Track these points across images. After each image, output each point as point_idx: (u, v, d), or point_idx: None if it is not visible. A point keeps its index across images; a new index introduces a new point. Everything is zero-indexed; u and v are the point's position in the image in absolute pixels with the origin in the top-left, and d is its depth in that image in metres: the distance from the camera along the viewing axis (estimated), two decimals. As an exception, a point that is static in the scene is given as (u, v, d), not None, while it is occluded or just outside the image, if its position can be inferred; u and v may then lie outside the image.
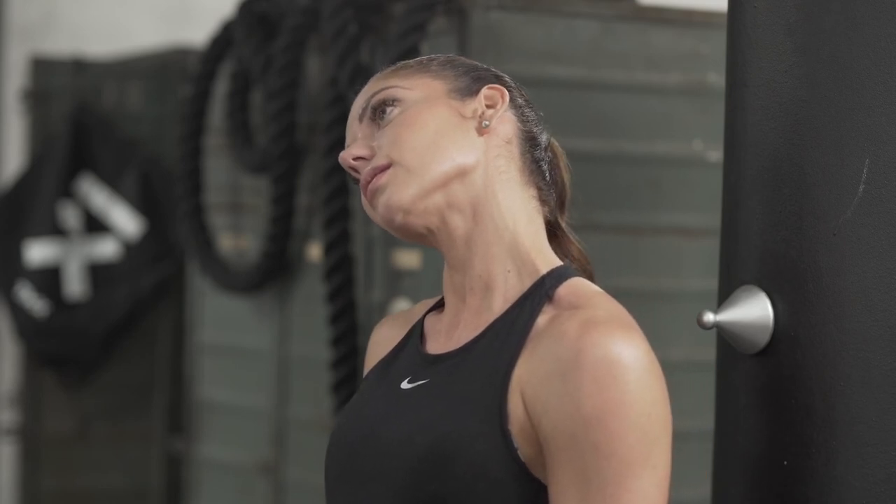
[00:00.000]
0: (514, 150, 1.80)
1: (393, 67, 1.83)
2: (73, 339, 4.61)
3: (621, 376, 1.61)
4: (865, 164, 1.75)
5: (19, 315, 4.63)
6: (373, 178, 1.76)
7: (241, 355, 3.78)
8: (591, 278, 1.82)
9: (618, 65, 3.09)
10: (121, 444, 4.65)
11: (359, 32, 3.20)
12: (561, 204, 1.85)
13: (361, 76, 3.03)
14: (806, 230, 1.79)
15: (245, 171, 3.68)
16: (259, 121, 3.66)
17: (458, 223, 1.76)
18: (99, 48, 5.22)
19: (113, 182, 4.60)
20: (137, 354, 4.64)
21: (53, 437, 4.69)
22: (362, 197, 1.78)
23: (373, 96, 1.80)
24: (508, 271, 1.76)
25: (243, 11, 3.66)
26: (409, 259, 3.15)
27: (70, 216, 4.61)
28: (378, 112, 1.79)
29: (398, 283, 3.19)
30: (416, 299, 2.93)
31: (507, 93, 1.80)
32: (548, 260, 1.78)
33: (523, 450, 1.66)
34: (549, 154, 1.84)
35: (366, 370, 1.90)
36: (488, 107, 1.79)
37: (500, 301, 1.75)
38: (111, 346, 4.63)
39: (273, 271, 3.59)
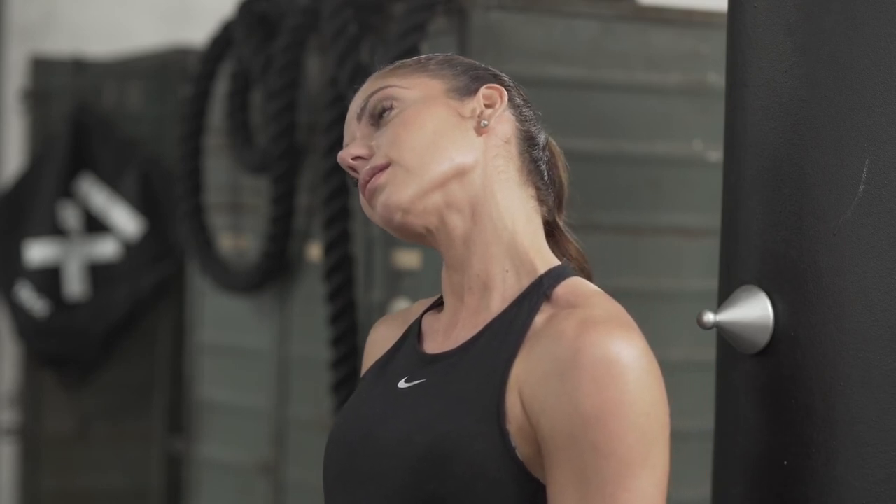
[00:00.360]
0: (513, 150, 1.80)
1: (391, 67, 1.83)
2: (73, 339, 4.61)
3: (620, 376, 1.61)
4: (865, 164, 1.75)
5: (19, 315, 4.63)
6: (371, 177, 1.76)
7: (241, 355, 3.78)
8: (589, 277, 1.82)
9: (618, 65, 3.09)
10: (121, 444, 4.65)
11: (359, 32, 3.20)
12: (559, 203, 1.85)
13: (361, 76, 3.01)
14: (806, 230, 1.79)
15: (245, 171, 3.68)
16: (259, 121, 3.65)
17: (457, 223, 1.76)
18: (99, 48, 5.22)
19: (113, 182, 4.60)
20: (137, 354, 4.64)
21: (53, 437, 4.69)
22: (361, 196, 1.78)
23: (371, 96, 1.80)
24: (507, 271, 1.76)
25: (243, 11, 3.66)
26: (409, 259, 3.15)
27: (70, 216, 4.61)
28: (376, 111, 1.79)
29: (398, 283, 3.19)
30: (415, 299, 2.92)
31: (505, 92, 1.80)
32: (546, 259, 1.78)
33: (521, 449, 1.65)
34: (547, 153, 1.84)
35: (363, 370, 1.90)
36: (487, 106, 1.79)
37: (499, 301, 1.75)
38: (111, 346, 4.63)
39: (273, 271, 3.59)
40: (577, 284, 1.74)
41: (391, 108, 1.78)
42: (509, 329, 1.71)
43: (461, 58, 1.85)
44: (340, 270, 3.27)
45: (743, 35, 1.89)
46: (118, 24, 5.58)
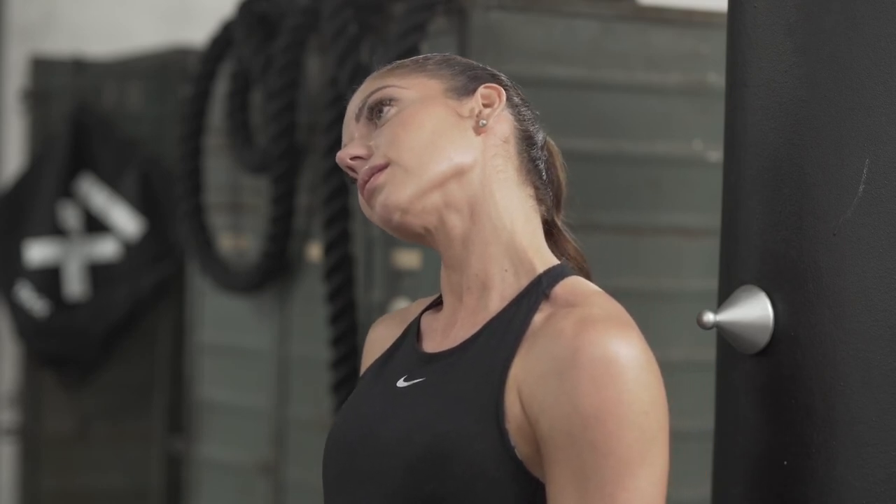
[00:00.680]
0: (511, 150, 1.80)
1: (389, 67, 1.83)
2: (73, 339, 4.61)
3: (619, 375, 1.61)
4: (865, 164, 1.75)
5: (19, 315, 4.63)
6: (370, 177, 1.76)
7: (241, 355, 3.78)
8: (587, 277, 1.82)
9: (618, 65, 3.09)
10: (121, 444, 4.65)
11: (359, 32, 3.20)
12: (557, 203, 1.85)
13: (361, 76, 3.00)
14: (806, 230, 1.79)
15: (245, 171, 3.68)
16: (259, 121, 3.65)
17: (456, 222, 1.76)
18: (99, 48, 5.22)
19: (113, 182, 4.60)
20: (137, 354, 4.64)
21: (53, 437, 4.69)
22: (360, 196, 1.78)
23: (369, 96, 1.80)
24: (506, 270, 1.76)
25: (243, 11, 3.66)
26: (409, 259, 3.15)
27: (70, 216, 4.61)
28: (375, 111, 1.79)
29: (398, 283, 3.19)
30: (415, 299, 2.92)
31: (503, 92, 1.80)
32: (545, 259, 1.78)
33: (520, 448, 1.65)
34: (546, 153, 1.84)
35: (362, 369, 1.90)
36: (485, 106, 1.79)
37: (497, 300, 1.75)
38: (111, 346, 4.63)
39: (273, 271, 3.59)
40: (576, 284, 1.74)
41: (390, 107, 1.78)
42: (508, 328, 1.71)
43: (459, 58, 1.85)
44: (340, 270, 3.27)
45: (743, 35, 1.89)
46: (118, 24, 5.58)
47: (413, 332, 1.83)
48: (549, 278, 1.74)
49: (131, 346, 4.64)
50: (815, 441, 1.77)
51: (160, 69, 4.64)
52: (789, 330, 1.80)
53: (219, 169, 3.84)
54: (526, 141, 1.81)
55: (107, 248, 4.60)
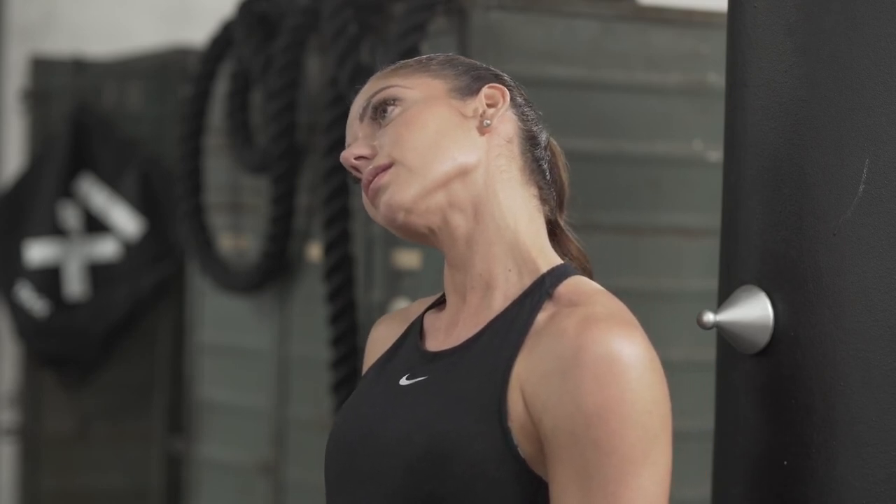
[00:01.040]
0: (515, 150, 1.80)
1: (393, 67, 1.83)
2: (73, 339, 4.61)
3: (622, 373, 1.61)
4: (865, 164, 1.75)
5: (19, 315, 4.63)
6: (374, 177, 1.76)
7: (241, 355, 3.78)
8: (590, 277, 1.82)
9: (618, 65, 3.09)
10: (121, 444, 4.65)
11: (359, 32, 3.20)
12: (560, 203, 1.86)
13: (361, 76, 3.02)
14: (806, 230, 1.79)
15: (245, 171, 3.68)
16: (259, 121, 3.66)
17: (460, 222, 1.77)
18: (99, 48, 5.22)
19: (113, 182, 4.60)
20: (137, 354, 4.64)
21: (53, 437, 4.69)
22: (364, 196, 1.79)
23: (373, 96, 1.80)
24: (509, 270, 1.77)
25: (243, 11, 3.66)
26: (409, 259, 3.15)
27: (70, 216, 4.61)
28: (379, 111, 1.79)
29: (398, 283, 3.19)
30: (415, 299, 2.92)
31: (507, 92, 1.80)
32: (548, 259, 1.78)
33: (523, 447, 1.66)
34: (549, 153, 1.84)
35: (364, 369, 1.90)
36: (489, 106, 1.79)
37: (501, 299, 1.76)
38: (111, 346, 4.63)
39: (273, 271, 3.59)
40: (579, 283, 1.74)
41: (394, 107, 1.78)
42: (511, 327, 1.71)
43: (462, 58, 1.85)
44: (340, 270, 3.27)
45: (743, 35, 1.89)
46: (118, 24, 5.58)
47: (416, 331, 1.84)
48: (553, 278, 1.74)
49: (131, 346, 4.64)
50: (815, 441, 1.77)
51: (160, 69, 4.64)
52: (789, 330, 1.80)
53: (219, 169, 3.84)
54: (529, 141, 1.81)
55: (107, 248, 4.60)
